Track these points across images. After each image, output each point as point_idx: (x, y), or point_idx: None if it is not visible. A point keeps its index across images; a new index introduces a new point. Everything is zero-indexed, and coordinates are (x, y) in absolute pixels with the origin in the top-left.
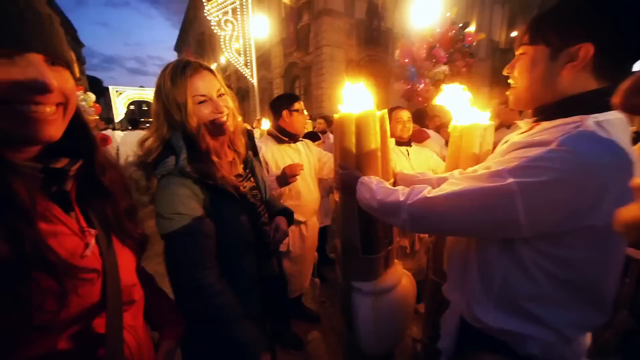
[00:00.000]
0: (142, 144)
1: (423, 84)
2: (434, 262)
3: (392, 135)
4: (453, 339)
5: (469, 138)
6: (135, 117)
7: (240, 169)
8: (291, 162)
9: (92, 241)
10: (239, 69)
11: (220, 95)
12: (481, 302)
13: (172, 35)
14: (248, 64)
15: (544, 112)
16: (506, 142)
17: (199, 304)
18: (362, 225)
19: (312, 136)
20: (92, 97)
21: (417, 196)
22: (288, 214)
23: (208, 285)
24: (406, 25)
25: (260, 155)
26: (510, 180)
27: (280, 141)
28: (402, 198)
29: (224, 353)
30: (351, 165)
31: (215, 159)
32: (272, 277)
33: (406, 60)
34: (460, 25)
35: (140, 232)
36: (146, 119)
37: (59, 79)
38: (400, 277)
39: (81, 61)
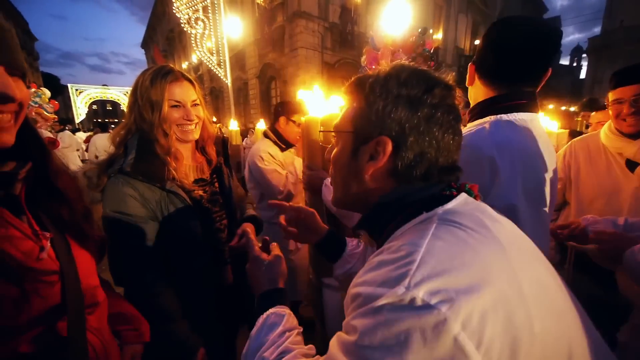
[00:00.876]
0: (114, 140)
1: None
2: None
3: None
4: None
5: None
6: (104, 122)
7: (205, 173)
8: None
9: (47, 244)
10: (212, 68)
11: (194, 105)
12: None
13: (138, 31)
14: (221, 63)
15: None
16: None
17: (139, 302)
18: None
19: None
20: (46, 92)
21: None
22: (257, 221)
23: (146, 284)
24: (378, 30)
25: (258, 153)
26: None
27: (279, 147)
28: None
29: (163, 349)
30: (318, 166)
31: (170, 161)
32: (227, 285)
33: (373, 67)
34: (420, 29)
35: (100, 235)
36: (111, 119)
37: (18, 89)
38: None
39: (34, 56)
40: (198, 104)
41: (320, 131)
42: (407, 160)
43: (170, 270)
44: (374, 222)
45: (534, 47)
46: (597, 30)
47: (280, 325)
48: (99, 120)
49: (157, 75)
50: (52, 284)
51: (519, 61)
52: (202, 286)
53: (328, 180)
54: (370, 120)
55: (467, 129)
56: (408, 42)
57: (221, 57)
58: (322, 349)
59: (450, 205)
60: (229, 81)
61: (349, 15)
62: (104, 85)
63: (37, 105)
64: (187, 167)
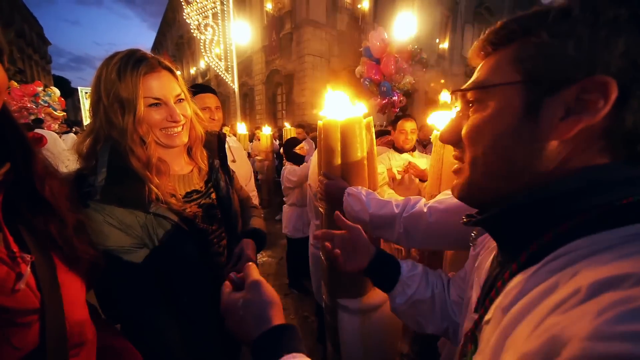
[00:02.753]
0: (79, 150)
1: (396, 96)
2: None
3: (397, 145)
4: None
5: (451, 147)
6: None
7: (198, 183)
8: None
9: (27, 270)
10: (220, 74)
11: (179, 101)
12: None
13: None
14: (229, 69)
15: None
16: None
17: (138, 339)
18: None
19: (295, 142)
20: (56, 91)
21: (413, 209)
22: (259, 236)
23: (145, 321)
24: (373, 39)
25: None
26: None
27: None
28: (397, 210)
29: None
30: (336, 175)
31: (150, 177)
32: None
33: (376, 77)
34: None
35: (92, 253)
36: None
37: None
38: None
39: (47, 60)
40: (183, 99)
41: (456, 91)
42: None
43: (169, 298)
44: (532, 222)
45: None
46: None
47: None
48: None
49: (126, 65)
50: (29, 325)
51: None
52: (201, 313)
53: (351, 189)
54: (565, 56)
55: None
56: (406, 51)
57: (229, 63)
58: None
59: None
60: (236, 86)
61: (356, 24)
62: None
63: (46, 105)
64: (174, 178)
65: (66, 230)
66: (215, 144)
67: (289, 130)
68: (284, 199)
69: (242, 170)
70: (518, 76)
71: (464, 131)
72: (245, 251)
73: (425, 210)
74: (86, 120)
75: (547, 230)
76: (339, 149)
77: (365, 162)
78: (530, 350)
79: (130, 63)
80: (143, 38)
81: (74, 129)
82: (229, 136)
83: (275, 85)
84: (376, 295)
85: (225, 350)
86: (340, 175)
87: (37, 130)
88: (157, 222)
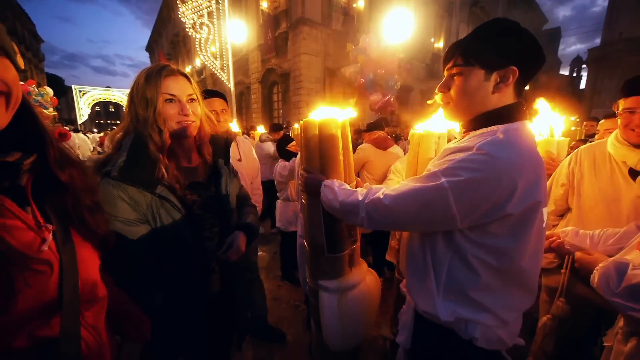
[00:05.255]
0: (111, 140)
1: (390, 96)
2: (399, 262)
3: None
4: (409, 332)
5: (426, 144)
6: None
7: (202, 177)
8: None
9: (49, 236)
10: (215, 72)
11: (190, 100)
12: (432, 295)
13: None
14: (224, 68)
15: (471, 124)
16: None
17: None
18: (326, 225)
19: (288, 140)
20: (49, 91)
21: (373, 196)
22: (250, 229)
23: (134, 289)
24: (380, 39)
25: None
26: (443, 179)
27: None
28: (360, 198)
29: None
30: (315, 169)
31: (162, 159)
32: (215, 294)
33: (371, 76)
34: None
35: (104, 229)
36: (113, 121)
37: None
38: (364, 274)
39: (39, 58)
40: (195, 100)
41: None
42: None
43: (159, 275)
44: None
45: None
46: (598, 41)
47: None
48: (102, 121)
49: (152, 72)
50: (47, 274)
51: (539, 68)
52: (188, 294)
53: (327, 181)
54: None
55: (476, 136)
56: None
57: (224, 62)
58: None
59: None
60: (231, 85)
61: (351, 23)
62: (107, 87)
63: (37, 104)
64: (182, 170)
65: (80, 208)
66: (222, 145)
67: (295, 130)
68: (278, 194)
69: (249, 168)
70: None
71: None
72: (236, 241)
73: (381, 196)
74: (80, 118)
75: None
76: (318, 145)
77: (341, 157)
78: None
79: (156, 70)
80: (137, 36)
81: (67, 127)
82: (239, 135)
83: (271, 84)
84: (352, 276)
85: (210, 334)
86: (319, 169)
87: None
88: (160, 203)
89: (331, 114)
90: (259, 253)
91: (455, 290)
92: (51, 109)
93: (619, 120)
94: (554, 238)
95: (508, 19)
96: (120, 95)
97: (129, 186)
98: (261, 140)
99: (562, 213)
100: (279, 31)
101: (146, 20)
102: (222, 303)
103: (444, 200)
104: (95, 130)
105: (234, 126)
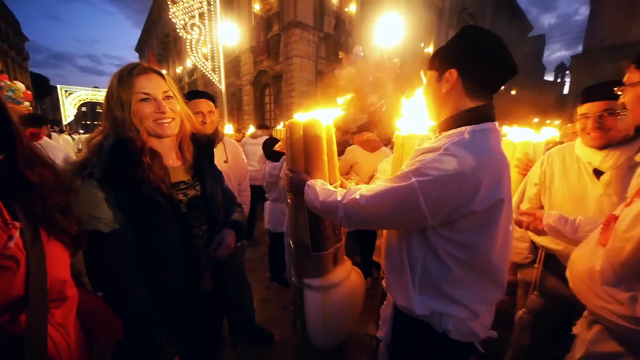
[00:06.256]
0: (88, 143)
1: (384, 100)
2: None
3: None
4: (389, 326)
5: (409, 146)
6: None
7: (185, 176)
8: None
9: (16, 233)
10: (206, 74)
11: (167, 98)
12: (408, 290)
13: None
14: (216, 69)
15: (443, 125)
16: None
17: (118, 308)
18: (311, 224)
19: (274, 141)
20: (20, 86)
21: (350, 196)
22: (239, 227)
23: (124, 290)
24: (371, 42)
25: None
26: (413, 179)
27: None
28: (339, 198)
29: (138, 355)
30: (300, 169)
31: (145, 161)
32: (206, 293)
33: (370, 78)
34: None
35: (75, 229)
36: (100, 122)
37: None
38: (348, 273)
39: (23, 57)
40: (172, 97)
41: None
42: None
43: (148, 276)
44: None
45: (514, 67)
46: (580, 48)
47: None
48: (88, 122)
49: (124, 73)
50: (15, 272)
51: (505, 79)
52: (179, 294)
53: (310, 181)
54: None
55: (444, 137)
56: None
57: (216, 63)
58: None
59: None
60: (223, 87)
61: (343, 27)
62: (95, 87)
63: (9, 100)
64: (165, 168)
65: (49, 208)
66: (206, 144)
67: (280, 131)
68: (266, 195)
69: (237, 170)
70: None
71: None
72: (226, 238)
73: (358, 197)
74: (65, 119)
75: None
76: (302, 146)
77: (325, 157)
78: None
79: (127, 70)
80: (127, 36)
81: (52, 128)
82: (227, 136)
83: (263, 85)
84: (336, 274)
85: (202, 333)
86: (304, 169)
87: None
88: (145, 203)
89: (316, 116)
90: (248, 255)
91: (430, 285)
92: (27, 103)
93: (577, 125)
94: (531, 219)
95: (469, 26)
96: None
97: (113, 187)
98: (255, 137)
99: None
100: (271, 33)
101: (136, 19)
102: (213, 301)
103: (414, 199)
104: (81, 131)
105: (228, 128)
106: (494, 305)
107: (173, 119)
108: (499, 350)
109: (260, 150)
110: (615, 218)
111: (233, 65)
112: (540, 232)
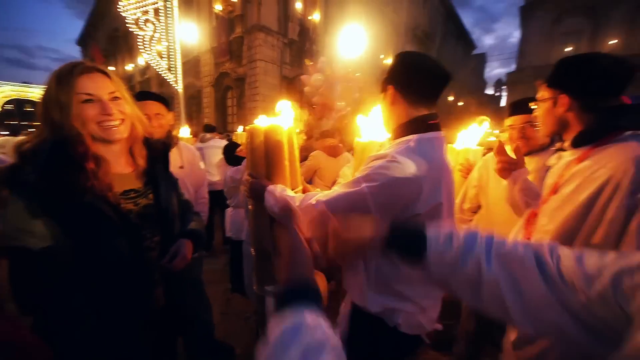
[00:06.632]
0: (18, 148)
1: (349, 107)
2: None
3: None
4: (347, 322)
5: (369, 152)
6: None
7: (137, 183)
8: None
9: None
10: (161, 73)
11: (114, 99)
12: (363, 288)
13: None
14: (172, 69)
15: (394, 133)
16: None
17: (56, 331)
18: (273, 229)
19: (234, 146)
20: None
21: (306, 202)
22: (197, 236)
23: (61, 312)
24: (335, 51)
25: None
26: (363, 185)
27: None
28: (297, 204)
29: None
30: (261, 174)
31: (89, 168)
32: (159, 310)
33: (338, 87)
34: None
35: None
36: (30, 122)
37: None
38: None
39: None
40: (119, 98)
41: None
42: None
43: (91, 294)
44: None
45: (448, 78)
46: (514, 66)
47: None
48: (15, 122)
49: (63, 72)
50: None
51: (439, 86)
52: (128, 312)
53: (270, 187)
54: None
55: (394, 145)
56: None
57: (172, 62)
58: None
59: None
60: (180, 88)
61: (307, 34)
62: (24, 82)
63: None
64: (114, 177)
65: None
66: (160, 150)
67: (240, 135)
68: (228, 202)
69: (193, 177)
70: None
71: None
72: (182, 248)
73: (314, 202)
74: None
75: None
76: (263, 151)
77: (287, 162)
78: None
79: (68, 69)
80: (68, 27)
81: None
82: (182, 140)
83: (225, 88)
84: None
85: (155, 352)
86: (265, 174)
87: None
88: (90, 212)
89: (277, 121)
90: (207, 267)
91: (382, 284)
92: None
93: (506, 134)
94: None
95: (402, 52)
96: (40, 93)
97: (50, 197)
98: (204, 140)
99: (476, 210)
100: (233, 35)
101: (79, 10)
102: (167, 318)
103: (364, 204)
104: (5, 132)
105: (184, 131)
106: (440, 299)
107: (122, 121)
108: (450, 337)
109: (213, 155)
110: (535, 214)
111: (192, 65)
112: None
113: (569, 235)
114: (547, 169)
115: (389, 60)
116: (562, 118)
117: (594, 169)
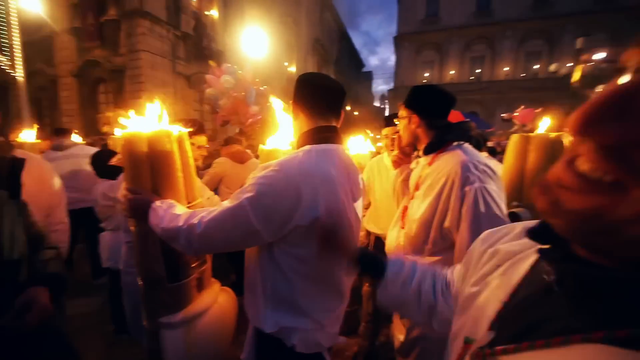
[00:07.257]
0: None
1: (261, 113)
2: None
3: None
4: (252, 347)
5: (273, 159)
6: None
7: None
8: None
9: None
10: None
11: None
12: (259, 308)
13: None
14: (5, 48)
15: (296, 144)
16: None
17: None
18: (166, 252)
19: (107, 154)
20: None
21: (190, 221)
22: (58, 280)
23: None
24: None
25: None
26: (243, 198)
27: None
28: (181, 223)
29: None
30: (145, 189)
31: None
32: None
33: (253, 91)
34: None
35: None
36: None
37: None
38: (216, 296)
39: None
40: None
41: None
42: None
43: None
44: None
45: (341, 93)
46: (392, 84)
47: None
48: None
49: None
50: None
51: (334, 100)
52: None
53: (155, 203)
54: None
55: (287, 155)
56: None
57: (5, 39)
58: None
59: None
60: (20, 75)
61: (204, 30)
62: None
63: None
64: None
65: None
66: (5, 171)
67: (118, 140)
68: (102, 225)
69: (42, 197)
70: None
71: None
72: (37, 298)
73: (196, 222)
74: None
75: None
76: (148, 163)
77: (180, 174)
78: None
79: None
80: None
81: None
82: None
83: (94, 80)
84: (199, 302)
85: None
86: (152, 189)
87: None
88: None
89: (164, 127)
90: (75, 310)
91: (279, 301)
92: None
93: (383, 143)
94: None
95: (302, 74)
96: None
97: None
98: (62, 148)
99: (367, 206)
100: (105, 17)
101: None
102: None
103: (246, 217)
104: None
105: (27, 135)
106: (341, 313)
107: None
108: (357, 322)
109: (73, 166)
110: (406, 208)
111: (41, 47)
112: None
113: (429, 221)
114: (410, 171)
115: (293, 69)
116: (415, 132)
117: (438, 171)
